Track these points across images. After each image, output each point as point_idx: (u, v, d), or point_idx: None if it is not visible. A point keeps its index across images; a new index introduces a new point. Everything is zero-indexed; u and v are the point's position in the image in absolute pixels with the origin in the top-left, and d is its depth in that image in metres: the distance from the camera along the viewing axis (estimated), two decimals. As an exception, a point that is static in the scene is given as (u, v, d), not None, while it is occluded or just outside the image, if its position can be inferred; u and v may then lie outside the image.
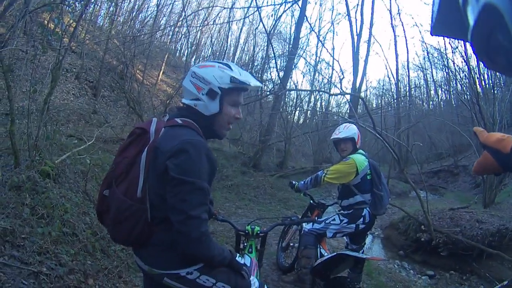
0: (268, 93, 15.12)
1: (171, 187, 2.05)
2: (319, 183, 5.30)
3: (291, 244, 6.43)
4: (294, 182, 5.91)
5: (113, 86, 20.94)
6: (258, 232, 3.67)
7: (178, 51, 35.24)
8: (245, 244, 3.75)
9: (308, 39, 28.27)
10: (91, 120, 15.97)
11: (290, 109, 22.23)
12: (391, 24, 25.83)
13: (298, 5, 17.61)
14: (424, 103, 35.66)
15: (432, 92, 35.41)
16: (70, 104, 16.11)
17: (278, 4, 19.55)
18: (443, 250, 8.65)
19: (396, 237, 10.43)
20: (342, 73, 19.82)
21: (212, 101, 2.28)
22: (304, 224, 5.62)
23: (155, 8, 28.64)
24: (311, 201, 6.14)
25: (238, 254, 3.48)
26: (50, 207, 5.09)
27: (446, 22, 0.83)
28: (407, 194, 18.87)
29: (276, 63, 14.93)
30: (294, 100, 23.80)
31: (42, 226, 4.68)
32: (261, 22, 16.44)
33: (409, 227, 10.03)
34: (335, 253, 4.58)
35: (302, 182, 5.69)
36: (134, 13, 28.81)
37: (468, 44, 0.78)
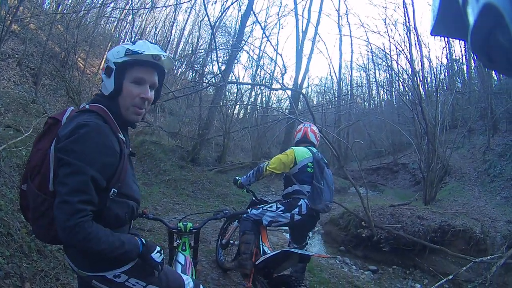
0: (206, 84, 14.88)
1: (57, 168, 1.90)
2: (261, 173, 5.34)
3: (231, 241, 6.29)
4: (237, 178, 5.87)
5: (54, 74, 20.34)
6: (191, 228, 3.60)
7: (122, 40, 34.80)
8: (179, 241, 3.71)
9: (252, 31, 28.40)
10: (29, 109, 15.37)
11: (230, 103, 21.99)
12: (338, 24, 26.22)
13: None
14: (365, 102, 36.78)
15: (374, 92, 36.59)
16: (10, 92, 15.49)
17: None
18: (385, 246, 8.77)
19: (336, 233, 10.52)
20: (285, 69, 19.73)
21: (108, 79, 2.11)
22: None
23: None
24: (253, 198, 5.98)
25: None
26: None
27: (446, 22, 0.81)
28: (346, 190, 19.25)
29: (217, 55, 14.63)
30: (235, 94, 23.71)
31: None
32: (206, 14, 16.23)
33: (350, 223, 10.16)
34: (280, 250, 4.44)
35: (245, 177, 5.68)
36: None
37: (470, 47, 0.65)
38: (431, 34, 0.88)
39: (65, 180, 1.81)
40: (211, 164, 17.42)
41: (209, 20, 16.03)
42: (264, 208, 5.25)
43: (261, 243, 5.18)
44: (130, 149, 2.35)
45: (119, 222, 2.12)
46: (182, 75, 30.67)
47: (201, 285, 2.75)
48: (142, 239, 2.21)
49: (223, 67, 17.32)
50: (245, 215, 5.22)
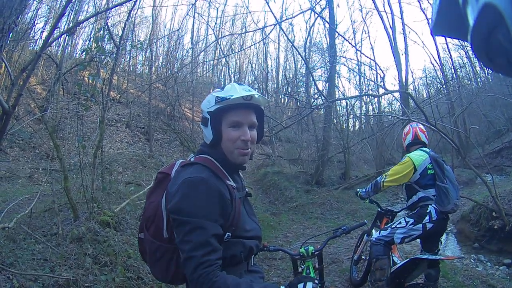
0: (311, 108, 15.12)
1: (174, 228, 2.05)
2: (379, 188, 5.40)
3: (363, 257, 6.28)
4: (358, 190, 5.94)
5: (164, 129, 21.45)
6: (313, 251, 3.63)
7: (222, 82, 35.48)
8: (303, 267, 3.71)
9: (344, 44, 28.36)
10: (148, 164, 16.41)
11: (342, 118, 22.09)
12: (421, 8, 25.42)
13: (319, 15, 17.54)
14: (473, 82, 34.55)
15: (478, 68, 34.50)
16: (125, 152, 16.67)
17: (297, 14, 19.55)
18: None
19: (469, 230, 10.03)
20: (382, 71, 19.47)
21: (206, 128, 2.23)
22: (373, 233, 5.68)
23: (190, 45, 29.33)
24: (379, 209, 6.08)
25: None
26: (112, 255, 5.35)
27: (446, 22, 0.85)
28: (474, 181, 18.09)
29: (313, 77, 14.85)
30: (345, 108, 23.45)
31: (106, 273, 4.94)
32: (285, 36, 16.51)
33: (481, 216, 9.66)
34: (409, 259, 4.68)
35: (364, 190, 5.76)
36: (171, 53, 29.50)
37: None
38: (431, 34, 0.96)
39: (186, 238, 1.93)
40: (336, 183, 17.27)
41: (288, 39, 16.28)
42: (392, 227, 5.17)
43: (391, 254, 5.22)
44: (247, 190, 2.44)
45: (235, 261, 2.17)
46: (290, 102, 30.89)
47: None
48: (282, 286, 2.22)
49: (323, 87, 17.43)
50: (374, 239, 5.24)
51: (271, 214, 12.74)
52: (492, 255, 8.67)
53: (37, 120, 12.86)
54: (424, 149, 5.23)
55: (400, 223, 5.13)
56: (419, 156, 5.10)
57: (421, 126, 5.56)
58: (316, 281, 2.24)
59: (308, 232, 10.42)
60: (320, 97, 20.00)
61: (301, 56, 14.90)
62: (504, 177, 18.37)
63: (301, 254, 3.63)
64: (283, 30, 15.35)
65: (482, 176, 9.63)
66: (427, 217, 4.89)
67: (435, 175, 4.98)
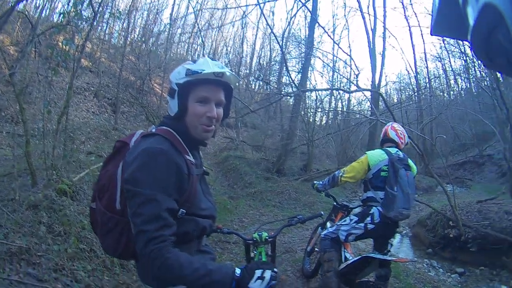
0: (281, 94, 14.97)
1: (127, 200, 1.95)
2: (336, 182, 5.29)
3: (316, 249, 6.18)
4: (315, 182, 5.83)
5: (132, 102, 21.17)
6: (267, 237, 3.58)
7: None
8: (255, 252, 3.66)
9: (322, 37, 28.24)
10: (111, 136, 16.14)
11: (310, 111, 22.13)
12: (404, 15, 25.49)
13: (304, 4, 17.47)
14: (445, 94, 35.18)
15: (452, 81, 35.12)
16: (90, 122, 16.36)
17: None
18: (472, 246, 8.46)
19: (424, 235, 10.23)
20: (358, 69, 19.62)
21: (172, 100, 2.14)
22: (327, 226, 5.66)
23: (169, 21, 28.94)
24: (335, 203, 6.01)
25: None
26: (67, 225, 5.20)
27: (446, 22, 0.84)
28: (434, 189, 18.57)
29: (286, 66, 14.73)
30: (315, 102, 23.71)
31: (59, 243, 4.77)
32: (265, 20, 16.40)
33: (437, 224, 9.84)
34: (361, 256, 4.58)
35: (321, 182, 5.65)
36: (147, 27, 29.16)
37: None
38: (431, 34, 0.95)
39: (139, 211, 1.84)
40: (296, 174, 17.40)
41: (268, 24, 16.23)
42: (338, 223, 5.22)
43: (343, 250, 5.22)
44: (204, 168, 2.38)
45: (186, 238, 2.10)
46: (260, 89, 30.92)
47: None
48: (238, 267, 2.04)
49: (295, 77, 17.50)
50: (323, 235, 5.29)
51: (229, 197, 12.66)
52: (445, 262, 8.80)
53: (6, 82, 12.41)
54: (390, 149, 5.08)
55: (345, 220, 5.16)
56: (377, 156, 5.02)
57: (395, 125, 5.42)
58: (275, 270, 2.11)
59: (264, 219, 10.41)
60: (291, 86, 20.10)
61: (278, 42, 14.84)
62: (464, 189, 18.94)
63: (255, 239, 3.58)
64: (263, 12, 15.25)
65: (443, 185, 9.82)
66: (369, 218, 4.88)
67: (387, 179, 4.86)
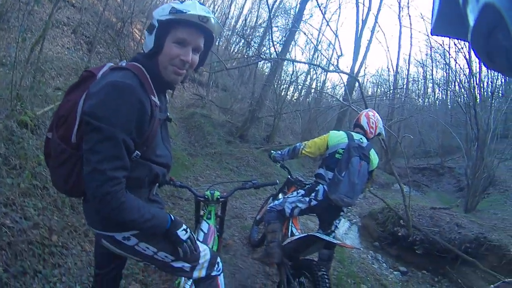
0: (260, 58, 14.76)
1: (85, 133, 1.83)
2: (296, 154, 5.24)
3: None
4: (272, 151, 5.78)
5: (109, 43, 20.74)
6: (218, 197, 3.58)
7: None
8: (205, 210, 3.67)
9: (311, 16, 28.08)
10: None
11: (284, 83, 21.96)
12: (398, 15, 25.56)
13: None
14: (420, 99, 35.77)
15: (429, 89, 35.64)
16: (63, 57, 15.92)
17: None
18: (418, 248, 8.66)
19: (373, 227, 10.41)
20: (341, 51, 19.57)
21: (149, 36, 2.04)
22: (279, 197, 5.70)
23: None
24: (289, 176, 5.95)
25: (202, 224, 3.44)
26: (23, 158, 5.04)
27: (446, 22, 0.82)
28: (390, 186, 19.03)
29: (271, 33, 14.45)
30: (290, 76, 23.50)
31: (13, 177, 4.59)
32: None
33: (388, 220, 10.01)
34: (306, 234, 4.43)
35: (280, 152, 5.61)
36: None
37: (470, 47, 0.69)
38: (431, 34, 0.92)
39: (96, 148, 1.77)
40: (258, 143, 17.41)
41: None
42: (285, 197, 5.24)
43: (290, 225, 5.23)
44: (168, 114, 2.32)
45: (137, 183, 2.08)
46: (239, 53, 30.68)
47: (218, 258, 2.70)
48: (171, 215, 2.21)
49: (279, 48, 17.30)
50: (268, 207, 5.22)
51: (188, 154, 12.57)
52: (389, 258, 8.95)
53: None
54: (356, 134, 4.97)
55: (292, 193, 5.17)
56: (338, 137, 4.94)
57: (371, 114, 5.26)
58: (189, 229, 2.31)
59: (219, 181, 10.17)
60: (271, 53, 19.66)
61: (268, 6, 14.43)
62: (420, 193, 19.31)
63: (206, 197, 3.59)
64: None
65: (401, 184, 9.95)
66: (313, 194, 4.86)
67: (339, 162, 4.77)
